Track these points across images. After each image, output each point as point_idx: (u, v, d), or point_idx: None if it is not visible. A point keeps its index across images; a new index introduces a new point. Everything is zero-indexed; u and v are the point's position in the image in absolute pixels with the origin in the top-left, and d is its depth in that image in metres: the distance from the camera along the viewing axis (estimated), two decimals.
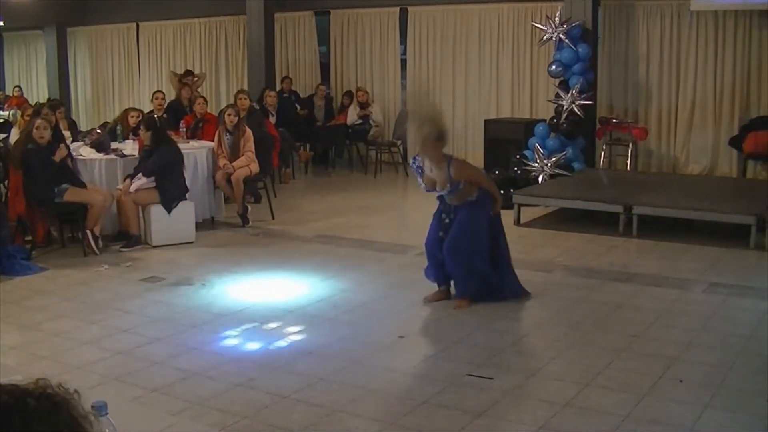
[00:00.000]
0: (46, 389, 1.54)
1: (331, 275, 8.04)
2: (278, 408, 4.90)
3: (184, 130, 11.64)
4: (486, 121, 13.52)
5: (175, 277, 7.99)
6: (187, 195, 9.48)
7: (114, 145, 10.19)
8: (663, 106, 13.12)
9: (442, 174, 6.70)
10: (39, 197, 8.77)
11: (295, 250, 9.24)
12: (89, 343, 6.09)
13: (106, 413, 2.04)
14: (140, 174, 9.21)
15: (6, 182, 9.75)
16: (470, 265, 6.84)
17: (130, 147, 10.11)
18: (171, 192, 9.29)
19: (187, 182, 9.57)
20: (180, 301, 7.19)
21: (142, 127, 9.40)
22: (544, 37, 12.47)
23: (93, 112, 20.22)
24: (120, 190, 9.22)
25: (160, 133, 9.44)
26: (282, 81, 15.81)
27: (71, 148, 9.57)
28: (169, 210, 9.26)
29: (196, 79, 14.62)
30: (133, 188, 9.13)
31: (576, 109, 11.89)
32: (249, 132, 10.60)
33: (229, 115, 10.51)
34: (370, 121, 14.89)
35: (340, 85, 16.37)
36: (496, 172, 11.46)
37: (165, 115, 12.12)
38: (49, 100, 14.80)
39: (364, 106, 14.95)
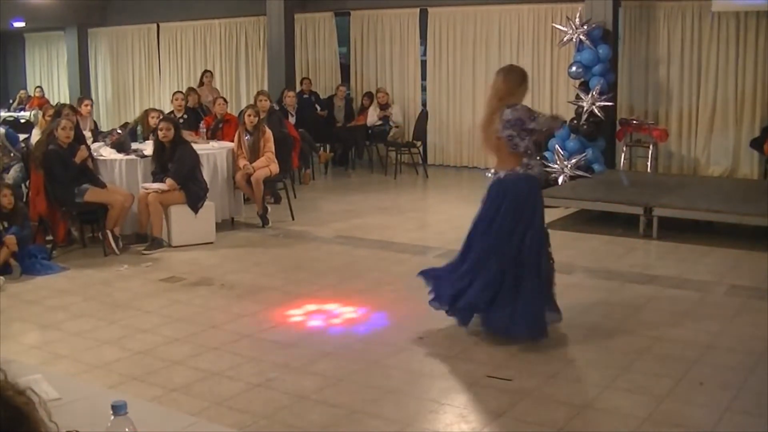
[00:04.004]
0: None
1: (350, 276, 8.04)
2: (297, 408, 4.90)
3: (204, 130, 11.68)
4: None
5: (195, 277, 8.02)
6: (207, 194, 9.52)
7: (134, 145, 10.23)
8: (684, 108, 13.06)
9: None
10: (60, 197, 8.83)
11: (314, 251, 9.26)
12: (109, 343, 6.12)
13: (126, 412, 2.05)
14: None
15: (28, 182, 9.82)
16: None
17: (151, 147, 10.14)
18: (196, 193, 9.33)
19: (207, 183, 9.60)
20: (200, 301, 7.21)
21: (162, 125, 9.40)
22: (565, 39, 12.43)
23: (114, 113, 20.34)
24: (150, 190, 9.19)
25: (179, 133, 9.49)
26: (302, 82, 15.84)
27: (92, 148, 9.62)
28: (195, 211, 9.30)
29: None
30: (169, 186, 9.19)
31: (596, 111, 11.84)
32: (269, 132, 10.62)
33: (249, 115, 10.53)
34: (390, 122, 14.89)
35: (360, 86, 16.39)
36: None
37: (185, 116, 12.17)
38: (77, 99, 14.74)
39: (384, 107, 14.95)
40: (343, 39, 16.86)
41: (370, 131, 15.08)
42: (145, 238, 9.22)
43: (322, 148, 15.17)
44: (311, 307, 7.00)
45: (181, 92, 13.14)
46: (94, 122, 14.59)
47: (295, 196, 11.67)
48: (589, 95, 11.89)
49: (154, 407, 3.83)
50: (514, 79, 6.17)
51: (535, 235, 6.05)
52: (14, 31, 21.06)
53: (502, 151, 6.18)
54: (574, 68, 12.28)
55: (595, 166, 12.08)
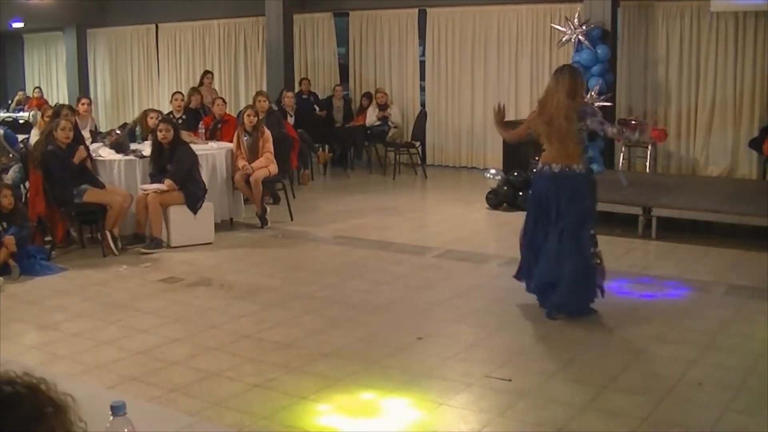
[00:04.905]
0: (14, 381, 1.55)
1: (349, 276, 8.04)
2: (296, 409, 4.90)
3: (203, 131, 11.67)
4: (505, 123, 13.44)
5: (194, 277, 8.02)
6: (206, 194, 9.51)
7: (133, 146, 10.22)
8: (682, 108, 13.06)
9: None
10: (59, 198, 8.82)
11: (313, 252, 9.26)
12: (108, 343, 6.11)
13: (125, 413, 2.05)
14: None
15: (27, 183, 9.81)
16: None
17: (149, 148, 10.13)
18: (195, 193, 9.33)
19: (206, 183, 9.60)
20: (198, 301, 7.20)
21: (162, 126, 9.39)
22: (563, 39, 12.45)
23: (112, 113, 20.33)
24: (149, 191, 9.17)
25: (178, 134, 9.49)
26: (300, 82, 15.83)
27: (91, 148, 9.61)
28: (195, 211, 9.29)
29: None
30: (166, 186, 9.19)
31: None
32: (268, 133, 10.61)
33: (249, 115, 10.53)
34: (389, 123, 14.88)
35: (359, 86, 16.39)
36: (515, 174, 11.44)
37: (184, 117, 12.16)
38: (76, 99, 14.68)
39: (383, 107, 14.94)
40: (342, 39, 16.86)
41: (368, 131, 15.07)
42: (143, 239, 9.22)
43: (320, 149, 15.17)
44: (310, 308, 6.99)
45: (180, 93, 13.11)
46: (95, 123, 14.58)
47: (294, 197, 11.67)
48: (588, 95, 11.88)
49: (153, 408, 3.83)
50: (578, 77, 6.66)
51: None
52: (13, 32, 21.04)
53: (566, 145, 6.53)
54: None
55: (594, 167, 12.03)
